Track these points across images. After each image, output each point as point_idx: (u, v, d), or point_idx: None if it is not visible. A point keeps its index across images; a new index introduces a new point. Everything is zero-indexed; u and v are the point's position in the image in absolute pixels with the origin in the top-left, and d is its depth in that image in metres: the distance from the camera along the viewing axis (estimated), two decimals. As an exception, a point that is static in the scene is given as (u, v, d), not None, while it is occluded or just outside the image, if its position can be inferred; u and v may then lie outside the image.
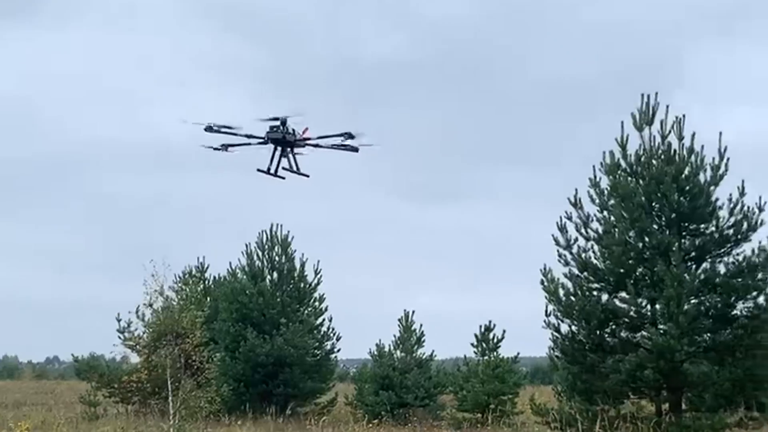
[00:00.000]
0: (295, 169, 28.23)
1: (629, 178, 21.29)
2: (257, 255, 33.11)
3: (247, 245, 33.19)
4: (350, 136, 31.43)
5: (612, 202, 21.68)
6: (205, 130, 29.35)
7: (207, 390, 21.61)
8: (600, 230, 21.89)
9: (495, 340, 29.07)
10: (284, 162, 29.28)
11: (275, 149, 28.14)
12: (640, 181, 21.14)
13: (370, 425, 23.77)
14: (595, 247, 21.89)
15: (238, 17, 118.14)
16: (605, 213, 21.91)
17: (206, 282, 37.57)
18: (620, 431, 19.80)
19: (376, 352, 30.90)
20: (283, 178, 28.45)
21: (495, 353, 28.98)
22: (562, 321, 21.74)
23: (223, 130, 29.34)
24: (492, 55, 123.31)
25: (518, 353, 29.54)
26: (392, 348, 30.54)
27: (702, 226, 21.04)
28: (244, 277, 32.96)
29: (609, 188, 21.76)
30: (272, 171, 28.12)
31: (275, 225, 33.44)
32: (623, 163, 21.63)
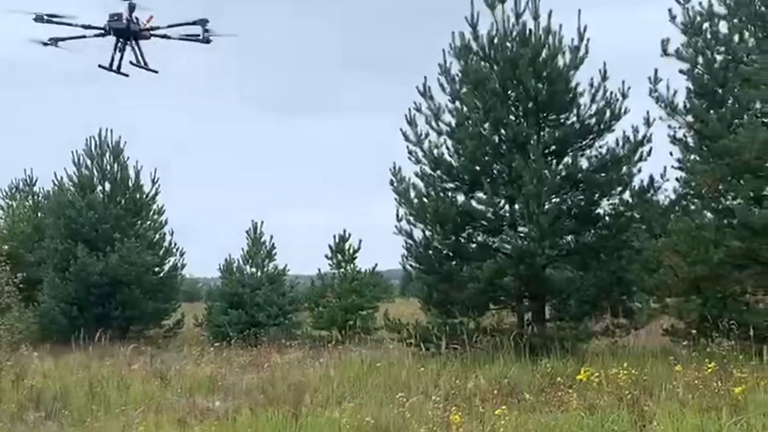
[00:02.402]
0: (142, 63, 25.09)
1: (482, 63, 19.13)
2: (86, 164, 29.66)
3: (73, 153, 29.67)
4: (204, 23, 28.19)
5: (464, 90, 19.51)
6: (35, 20, 25.82)
7: (7, 316, 18.67)
8: (453, 123, 19.77)
9: (351, 251, 26.81)
10: (130, 56, 26.08)
11: (117, 41, 24.92)
12: (494, 66, 19.04)
13: (211, 348, 21.28)
14: (448, 142, 19.94)
15: None
16: (457, 103, 19.81)
17: (36, 197, 34.11)
18: (480, 345, 17.91)
19: (224, 268, 28.26)
20: (127, 75, 25.34)
21: (352, 265, 26.73)
22: (415, 226, 19.73)
23: (56, 19, 25.88)
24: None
25: (376, 264, 27.38)
26: (241, 263, 27.92)
27: (562, 116, 19.24)
28: (73, 188, 29.53)
29: (460, 74, 19.56)
30: (115, 67, 24.95)
31: (104, 130, 29.95)
32: (474, 46, 19.52)
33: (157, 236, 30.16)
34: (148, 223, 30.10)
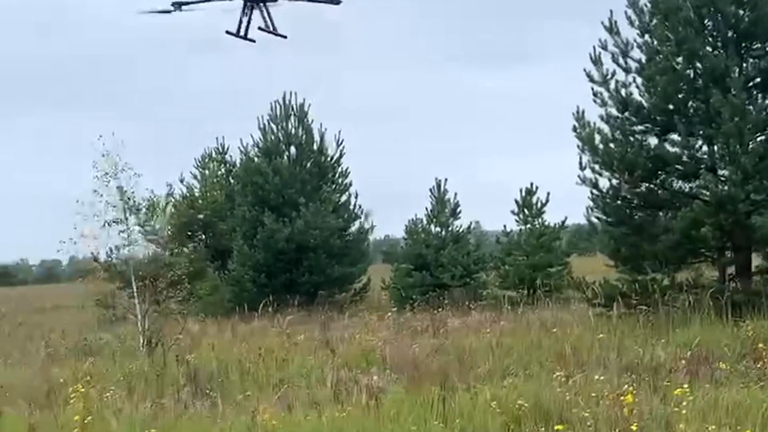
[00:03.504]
0: (271, 28, 24.64)
1: (674, -10, 16.98)
2: (271, 129, 29.39)
3: (259, 119, 29.48)
4: None
5: (654, 22, 17.47)
6: None
7: (179, 289, 18.39)
8: (643, 59, 17.77)
9: (539, 206, 25.10)
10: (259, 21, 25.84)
11: (245, 5, 24.62)
12: (688, -7, 16.83)
13: (388, 313, 20.35)
14: (638, 80, 17.93)
15: None
16: (647, 37, 17.79)
17: (227, 165, 34.36)
18: (674, 304, 16.02)
19: (408, 228, 27.31)
20: (254, 41, 24.98)
21: (539, 220, 25.05)
22: (600, 174, 17.89)
23: None
24: None
25: (566, 217, 25.61)
26: (425, 223, 26.84)
27: (767, 44, 16.69)
28: (259, 154, 29.36)
29: (649, 5, 17.53)
30: (242, 33, 24.64)
31: (289, 93, 29.56)
32: (665, -28, 17.32)
33: (344, 199, 29.62)
34: (333, 186, 29.54)
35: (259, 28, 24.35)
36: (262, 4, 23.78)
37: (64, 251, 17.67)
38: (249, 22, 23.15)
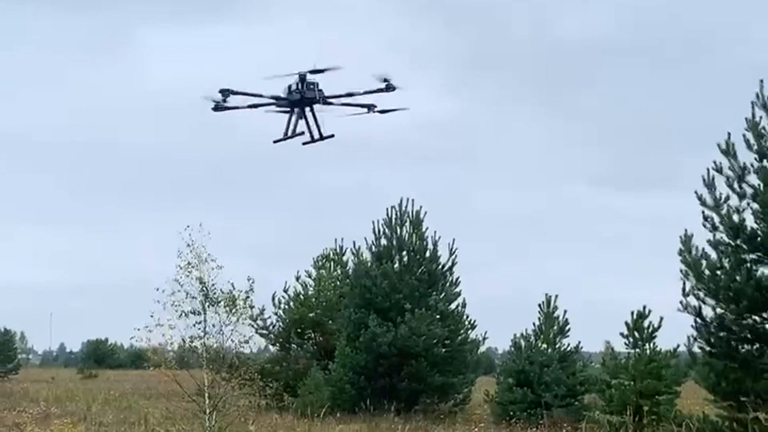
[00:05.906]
0: (316, 133, 26.11)
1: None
2: (385, 234, 29.45)
3: (374, 223, 29.65)
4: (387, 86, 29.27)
5: (772, 146, 16.80)
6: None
7: (251, 386, 18.18)
8: (761, 186, 17.02)
9: (650, 330, 23.95)
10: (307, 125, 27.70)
11: (292, 111, 26.07)
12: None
13: (475, 429, 19.66)
14: (753, 206, 17.09)
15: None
16: (765, 162, 17.04)
17: (344, 266, 34.45)
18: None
19: (515, 343, 26.58)
20: (303, 133, 26.63)
21: (650, 345, 23.87)
22: (704, 302, 17.01)
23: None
24: (696, 37, 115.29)
25: (678, 345, 24.27)
26: (533, 339, 26.08)
27: None
28: (370, 258, 29.40)
29: (768, 128, 16.93)
30: (290, 134, 26.32)
31: (405, 200, 29.67)
32: (788, 95, 16.80)
33: (452, 307, 29.21)
34: (442, 294, 29.20)
35: (304, 143, 25.71)
36: (308, 109, 24.93)
37: (138, 338, 17.65)
38: (296, 124, 24.50)
